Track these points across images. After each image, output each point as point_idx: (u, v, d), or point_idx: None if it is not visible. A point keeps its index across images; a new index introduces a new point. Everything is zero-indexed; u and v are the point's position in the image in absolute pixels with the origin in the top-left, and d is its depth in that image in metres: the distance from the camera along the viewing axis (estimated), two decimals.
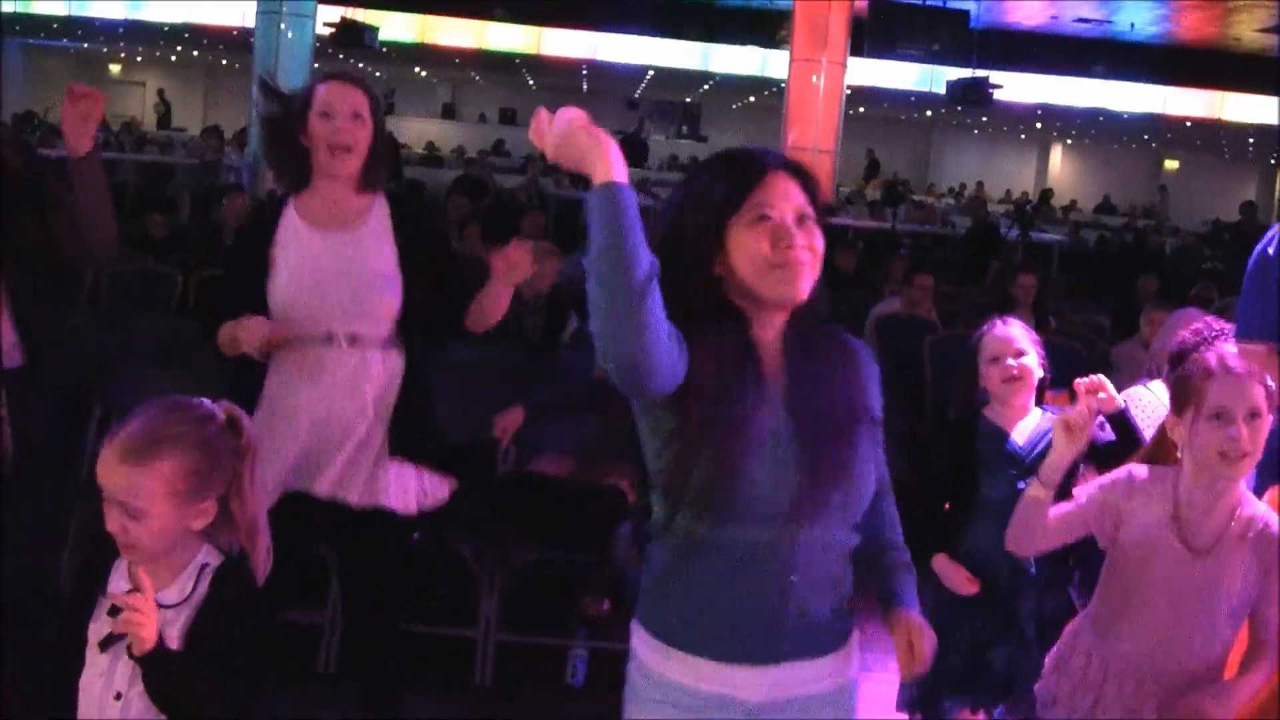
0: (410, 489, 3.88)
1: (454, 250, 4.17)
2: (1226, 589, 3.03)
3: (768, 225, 2.34)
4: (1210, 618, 3.04)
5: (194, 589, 2.58)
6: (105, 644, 2.51)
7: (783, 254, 2.33)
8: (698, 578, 2.39)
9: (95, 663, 2.56)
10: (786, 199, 2.37)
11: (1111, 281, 13.96)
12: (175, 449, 2.54)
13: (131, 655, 2.45)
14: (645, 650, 2.47)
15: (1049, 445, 3.79)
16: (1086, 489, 3.25)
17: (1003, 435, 4.14)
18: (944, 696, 4.13)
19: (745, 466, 2.31)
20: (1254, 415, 3.00)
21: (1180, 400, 3.11)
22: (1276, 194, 21.35)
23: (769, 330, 2.43)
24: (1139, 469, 3.20)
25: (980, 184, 31.58)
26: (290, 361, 3.80)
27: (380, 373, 3.85)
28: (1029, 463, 4.01)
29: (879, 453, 2.54)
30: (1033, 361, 4.20)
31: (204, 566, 2.61)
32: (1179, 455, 3.15)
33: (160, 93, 33.91)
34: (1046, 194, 27.21)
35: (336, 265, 3.82)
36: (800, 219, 2.37)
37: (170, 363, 6.01)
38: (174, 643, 2.53)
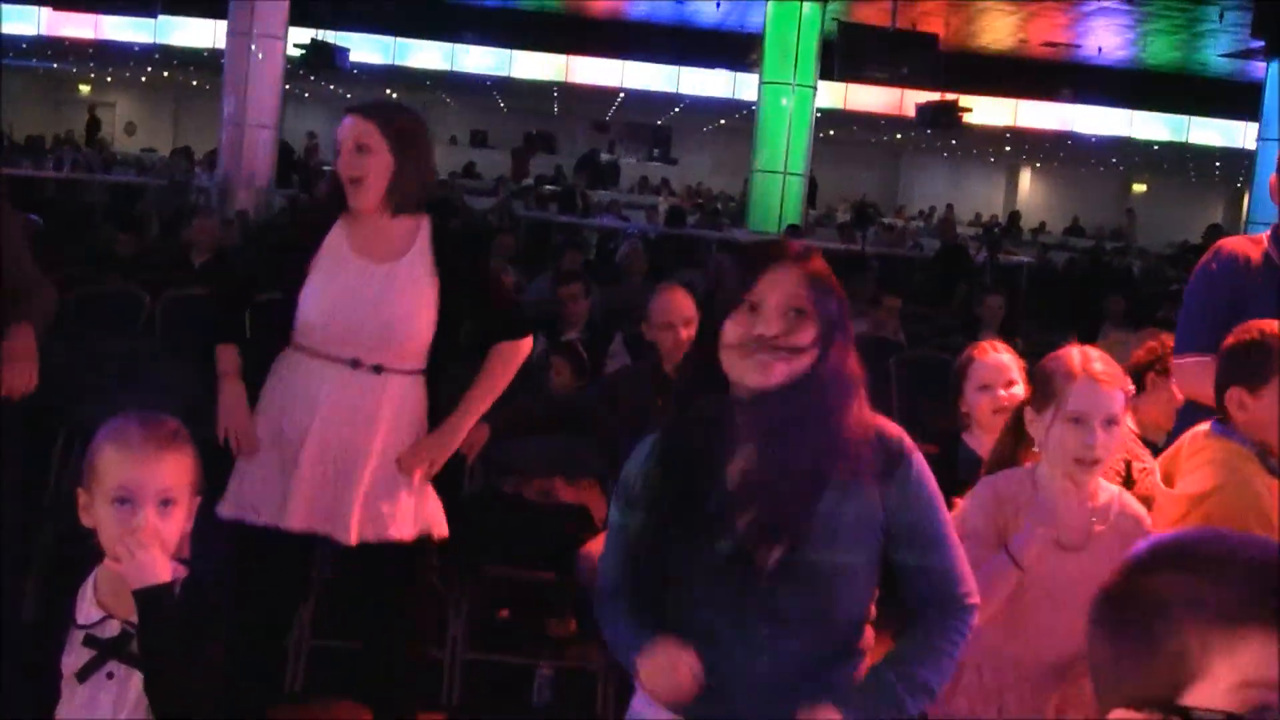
0: (410, 516, 3.90)
1: (493, 288, 4.15)
2: (1100, 578, 3.03)
3: (749, 312, 2.35)
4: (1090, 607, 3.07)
5: None
6: (84, 674, 2.47)
7: (756, 341, 2.33)
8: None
9: (74, 696, 2.50)
10: (777, 288, 2.36)
11: (1079, 303, 14.03)
12: (188, 441, 2.55)
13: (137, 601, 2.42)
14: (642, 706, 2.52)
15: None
16: (967, 524, 3.14)
17: (981, 462, 3.95)
18: None
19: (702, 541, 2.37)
20: (1111, 422, 3.01)
21: (1041, 398, 3.11)
22: (1243, 216, 21.49)
23: (750, 419, 2.40)
24: (996, 482, 3.20)
25: (949, 206, 31.70)
26: (309, 378, 3.84)
27: (399, 402, 3.86)
28: None
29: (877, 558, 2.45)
30: (1021, 392, 4.01)
31: (174, 582, 2.55)
32: (1035, 450, 3.17)
33: (91, 108, 33.77)
34: (1015, 216, 27.40)
35: (371, 295, 3.82)
36: (786, 311, 2.35)
37: (136, 383, 5.99)
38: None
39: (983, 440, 4.04)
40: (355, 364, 3.81)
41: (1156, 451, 4.40)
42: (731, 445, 2.39)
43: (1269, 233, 4.07)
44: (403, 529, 3.87)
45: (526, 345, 4.13)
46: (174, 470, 2.51)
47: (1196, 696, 1.25)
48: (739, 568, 2.34)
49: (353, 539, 3.80)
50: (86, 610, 2.53)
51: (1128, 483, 4.37)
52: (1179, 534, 1.38)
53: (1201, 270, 4.10)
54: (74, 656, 2.50)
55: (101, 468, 2.49)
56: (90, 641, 2.47)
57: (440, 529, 3.98)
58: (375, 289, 3.83)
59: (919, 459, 2.46)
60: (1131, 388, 3.10)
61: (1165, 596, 1.30)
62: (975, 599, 2.49)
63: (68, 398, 5.80)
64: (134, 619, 2.49)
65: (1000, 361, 4.11)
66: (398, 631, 4.05)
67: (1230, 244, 4.20)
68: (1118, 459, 4.33)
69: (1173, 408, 4.40)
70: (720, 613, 2.37)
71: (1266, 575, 1.26)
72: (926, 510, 2.45)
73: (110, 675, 2.49)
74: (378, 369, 3.82)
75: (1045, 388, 3.11)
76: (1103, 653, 1.36)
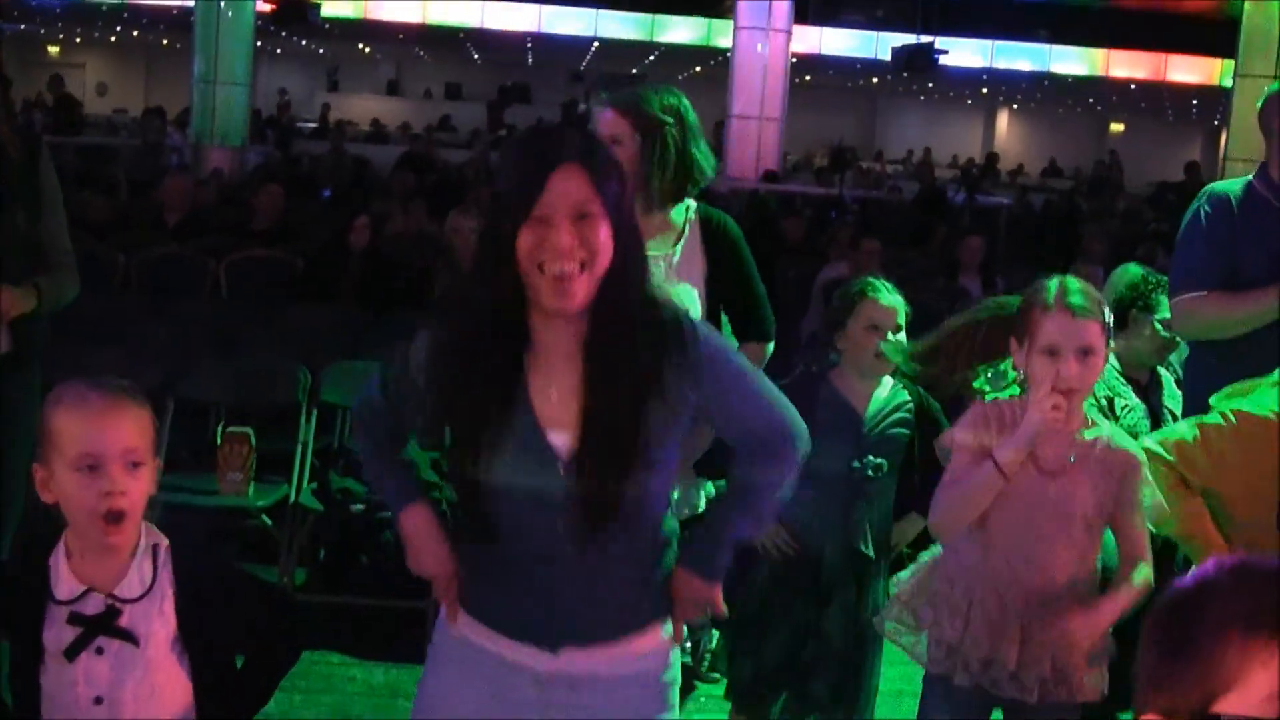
0: None
1: (753, 286, 4.09)
2: (1079, 505, 3.11)
3: (539, 226, 2.23)
4: (1066, 532, 3.11)
5: (154, 575, 2.49)
6: (72, 652, 2.42)
7: (548, 258, 2.22)
8: (482, 563, 2.44)
9: (61, 671, 2.43)
10: (566, 196, 2.23)
11: (1058, 244, 14.02)
12: (144, 399, 2.50)
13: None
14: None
15: (895, 422, 3.77)
16: (959, 447, 3.20)
17: (847, 406, 3.89)
18: (763, 692, 3.99)
19: (507, 493, 2.33)
20: (1086, 353, 3.03)
21: (1019, 330, 3.14)
22: (1220, 154, 21.52)
23: (563, 334, 2.35)
24: (988, 407, 3.23)
25: (927, 149, 31.66)
26: None
27: None
28: (872, 440, 3.84)
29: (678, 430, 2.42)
30: (904, 339, 3.90)
31: (155, 547, 2.52)
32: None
33: (52, 80, 33.50)
34: (992, 158, 27.35)
35: None
36: (580, 216, 2.24)
37: (112, 342, 5.95)
38: (159, 636, 2.47)
39: (853, 384, 3.92)
40: None
41: (1139, 388, 4.40)
42: (535, 364, 2.35)
43: (1257, 176, 4.09)
44: None
45: (768, 351, 4.07)
46: (136, 430, 2.44)
47: (1230, 704, 1.29)
48: (555, 478, 2.31)
49: None
50: (65, 585, 2.45)
51: (1110, 419, 4.37)
52: (1240, 555, 1.40)
53: (1194, 214, 4.14)
54: (56, 632, 2.42)
55: (61, 437, 2.41)
56: (75, 619, 2.41)
57: None
58: None
59: (705, 330, 2.43)
60: (1110, 318, 3.10)
61: (1214, 606, 1.33)
62: (803, 439, 2.52)
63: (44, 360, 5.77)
64: (116, 591, 2.45)
65: (894, 304, 3.95)
66: None
67: (1218, 187, 4.24)
68: (1098, 394, 4.32)
69: (1156, 344, 4.39)
70: (540, 526, 2.34)
71: None
72: (733, 381, 2.44)
73: (100, 650, 2.43)
74: None
75: (1024, 319, 3.13)
76: (1149, 659, 1.38)
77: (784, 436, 2.49)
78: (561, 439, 2.32)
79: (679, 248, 3.89)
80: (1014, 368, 3.22)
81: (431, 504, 2.55)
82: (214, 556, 2.60)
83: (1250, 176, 4.16)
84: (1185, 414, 4.16)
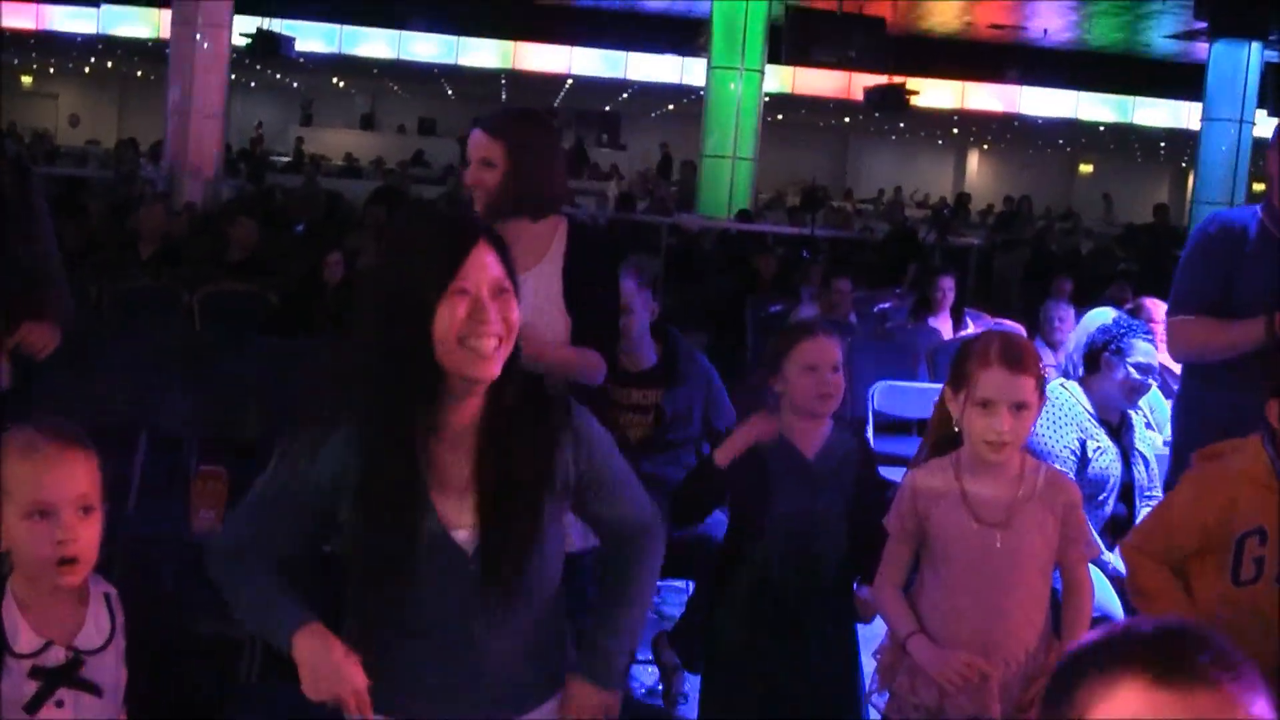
0: None
1: (612, 297, 4.09)
2: (1030, 550, 3.14)
3: (464, 299, 2.27)
4: (1025, 581, 3.14)
5: (111, 623, 2.50)
6: (33, 706, 2.40)
7: (475, 330, 2.26)
8: (389, 660, 2.39)
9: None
10: (486, 270, 2.30)
11: (1028, 284, 14.11)
12: (92, 444, 2.48)
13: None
14: None
15: (843, 461, 3.75)
16: (890, 522, 3.28)
17: (794, 450, 3.77)
18: None
19: (410, 560, 2.33)
20: (1020, 407, 3.07)
21: (955, 380, 3.19)
22: (1188, 196, 21.75)
23: (465, 411, 2.37)
24: (917, 475, 3.27)
25: (898, 189, 31.83)
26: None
27: None
28: (823, 480, 3.75)
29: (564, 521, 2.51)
30: (842, 380, 3.82)
31: (106, 595, 2.52)
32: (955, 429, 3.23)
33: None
34: (963, 198, 27.48)
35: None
36: (497, 291, 2.31)
37: (85, 372, 5.93)
38: (113, 684, 2.47)
39: (794, 425, 3.80)
40: None
41: (1111, 430, 4.44)
42: (432, 450, 2.36)
43: (1263, 207, 4.13)
44: None
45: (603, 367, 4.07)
46: (88, 476, 2.43)
47: None
48: (463, 573, 2.34)
49: None
50: (23, 637, 2.42)
51: (1083, 462, 4.41)
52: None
53: (1198, 237, 4.22)
54: (14, 684, 2.39)
55: (10, 482, 2.39)
56: (37, 672, 2.40)
57: None
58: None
59: (577, 405, 2.50)
60: (1048, 371, 3.16)
61: (1080, 657, 1.44)
62: (659, 524, 2.59)
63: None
64: (76, 642, 2.44)
65: (830, 343, 3.83)
66: None
67: (1226, 214, 4.31)
68: (1071, 437, 4.36)
69: (1127, 387, 4.44)
70: (440, 613, 2.36)
71: (1153, 631, 1.41)
72: (605, 459, 2.50)
73: (60, 704, 2.42)
74: None
75: (960, 370, 3.17)
76: (1041, 712, 1.49)
77: (655, 521, 2.58)
78: (464, 535, 2.35)
79: (544, 263, 3.91)
80: (950, 416, 3.24)
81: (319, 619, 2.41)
82: (168, 610, 2.59)
83: (1258, 206, 4.22)
84: (1175, 442, 4.20)
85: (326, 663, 2.32)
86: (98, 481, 2.45)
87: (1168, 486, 4.24)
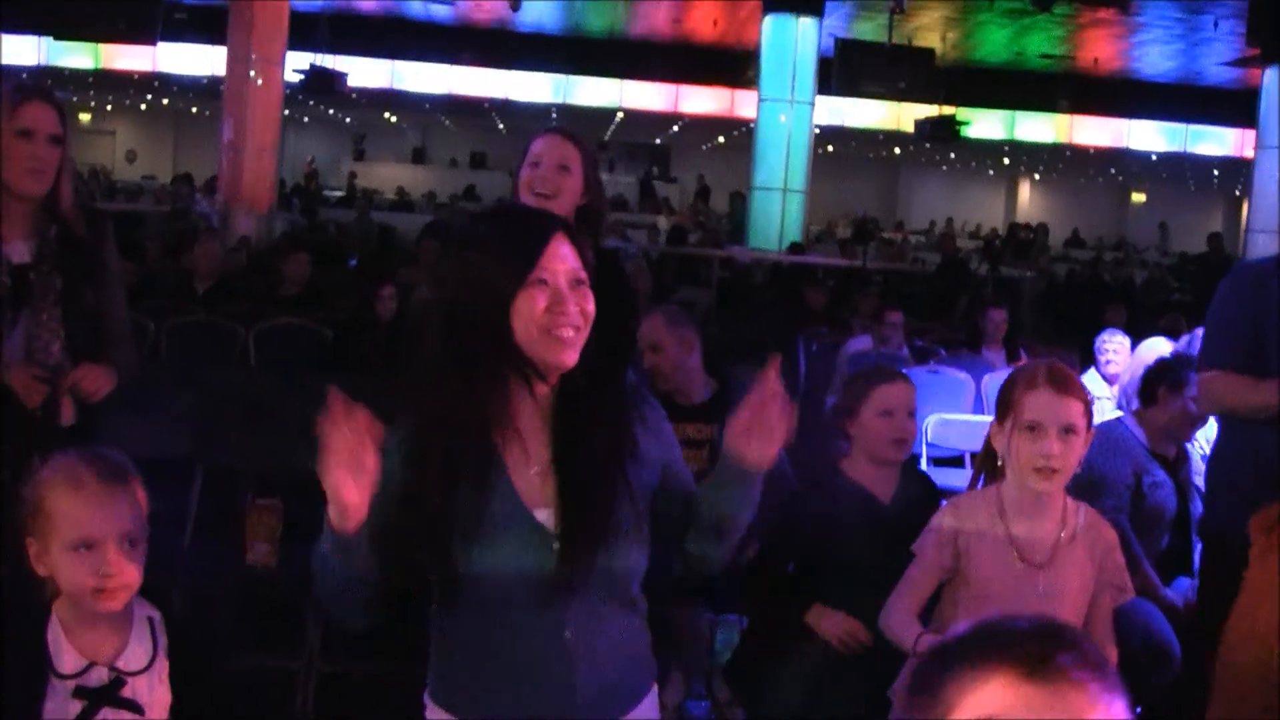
0: None
1: (633, 320, 4.13)
2: (1069, 593, 3.07)
3: (545, 290, 2.33)
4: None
5: (154, 647, 2.53)
6: None
7: (556, 321, 2.32)
8: (477, 660, 2.39)
9: None
10: (563, 261, 2.36)
11: (1081, 315, 14.02)
12: (137, 475, 2.52)
13: None
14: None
15: (915, 504, 3.73)
16: (921, 547, 3.22)
17: (868, 496, 3.80)
18: None
19: (493, 544, 2.32)
20: (1068, 431, 3.00)
21: (1001, 409, 3.13)
22: (1242, 225, 21.58)
23: (542, 395, 2.42)
24: (960, 504, 3.21)
25: (949, 220, 31.72)
26: None
27: None
28: (896, 527, 3.68)
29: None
30: (913, 428, 3.88)
31: (150, 620, 2.55)
32: (1000, 464, 3.17)
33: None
34: (1015, 229, 27.38)
35: None
36: (574, 283, 2.37)
37: (142, 409, 5.98)
38: (157, 706, 2.49)
39: (868, 471, 3.82)
40: None
41: (1166, 464, 4.41)
42: (528, 425, 2.40)
43: None
44: None
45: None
46: (132, 511, 2.47)
47: None
48: (546, 553, 2.34)
49: None
50: (67, 659, 2.46)
51: (1138, 495, 4.37)
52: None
53: (1221, 289, 4.13)
54: (58, 705, 2.43)
55: (56, 514, 2.42)
56: (80, 692, 2.43)
57: None
58: None
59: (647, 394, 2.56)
60: (1093, 398, 3.10)
61: (946, 652, 1.44)
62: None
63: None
64: (119, 664, 2.47)
65: (907, 388, 3.89)
66: None
67: (1254, 264, 4.25)
68: (1126, 470, 4.31)
69: (1183, 420, 4.40)
70: (527, 599, 2.34)
71: (1021, 628, 1.42)
72: (674, 447, 2.54)
73: None
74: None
75: (1006, 398, 3.13)
76: (901, 708, 1.52)
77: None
78: (545, 515, 2.36)
79: None
80: (995, 449, 3.19)
81: None
82: (223, 642, 2.62)
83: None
84: (1209, 479, 4.14)
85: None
86: (142, 513, 2.49)
87: (1202, 527, 4.16)
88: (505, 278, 2.32)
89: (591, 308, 2.38)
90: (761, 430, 2.35)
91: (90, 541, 2.41)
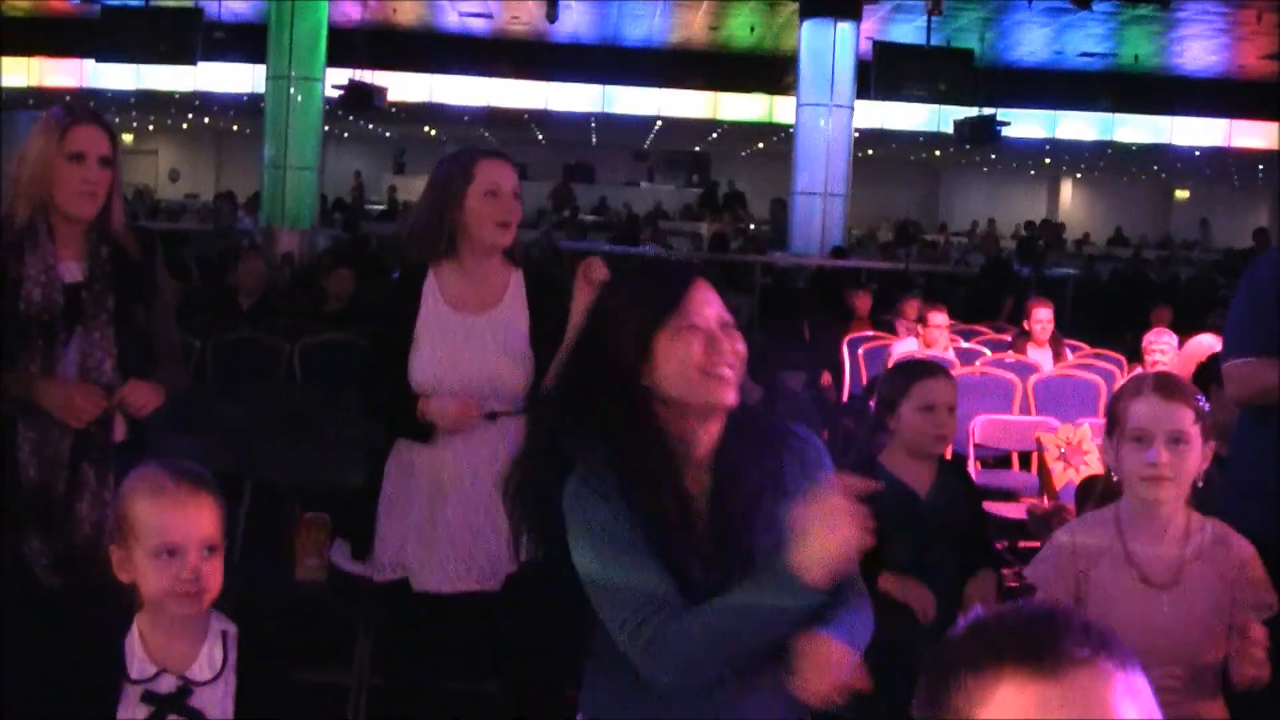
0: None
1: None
2: (1196, 615, 2.90)
3: (697, 333, 2.37)
4: (1190, 647, 2.90)
5: (224, 660, 2.57)
6: None
7: (714, 361, 2.37)
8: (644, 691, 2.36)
9: None
10: (710, 306, 2.41)
11: (1125, 313, 13.94)
12: (216, 486, 2.58)
13: None
14: None
15: (952, 499, 3.68)
16: (1038, 574, 3.06)
17: (906, 490, 3.79)
18: None
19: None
20: (1177, 440, 2.88)
21: (1109, 422, 3.03)
22: None
23: (701, 439, 2.44)
24: (1075, 527, 3.09)
25: (991, 221, 31.58)
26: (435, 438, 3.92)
27: (515, 445, 3.90)
28: (933, 522, 3.73)
29: None
30: (954, 422, 3.86)
31: (224, 633, 2.60)
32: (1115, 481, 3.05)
33: None
34: (1057, 228, 27.22)
35: (474, 348, 3.91)
36: (723, 325, 2.41)
37: (190, 427, 6.02)
38: (222, 716, 2.53)
39: (907, 465, 3.81)
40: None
41: (1219, 461, 4.36)
42: (686, 470, 2.42)
43: None
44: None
45: None
46: (212, 517, 2.53)
47: None
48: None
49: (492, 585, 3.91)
50: (139, 665, 2.52)
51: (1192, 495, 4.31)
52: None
53: (1245, 278, 4.11)
54: (129, 710, 2.49)
55: (139, 521, 2.49)
56: (149, 698, 2.48)
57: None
58: (477, 343, 3.92)
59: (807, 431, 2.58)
60: (1205, 404, 2.96)
61: (950, 657, 1.40)
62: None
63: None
64: (188, 673, 2.52)
65: (948, 383, 3.87)
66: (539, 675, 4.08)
67: (1265, 257, 4.22)
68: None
69: (1235, 417, 4.36)
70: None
71: (1017, 620, 1.39)
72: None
73: None
74: (492, 416, 3.89)
75: (1113, 411, 3.02)
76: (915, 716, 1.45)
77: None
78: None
79: (503, 307, 4.00)
80: (1103, 466, 3.10)
81: None
82: (275, 662, 2.65)
83: None
84: (1230, 478, 4.05)
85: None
86: (221, 522, 2.55)
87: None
88: (646, 323, 2.37)
89: (743, 348, 2.43)
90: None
91: (173, 548, 2.47)
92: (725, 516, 2.38)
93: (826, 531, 2.22)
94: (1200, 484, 2.99)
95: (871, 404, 8.07)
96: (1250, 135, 25.92)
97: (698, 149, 35.74)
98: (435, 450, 3.91)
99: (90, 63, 22.12)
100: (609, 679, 2.44)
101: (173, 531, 2.47)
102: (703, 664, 2.26)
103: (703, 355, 2.36)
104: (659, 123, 27.70)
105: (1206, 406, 2.96)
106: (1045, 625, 1.37)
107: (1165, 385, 2.96)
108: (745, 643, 2.26)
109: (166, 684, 2.51)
